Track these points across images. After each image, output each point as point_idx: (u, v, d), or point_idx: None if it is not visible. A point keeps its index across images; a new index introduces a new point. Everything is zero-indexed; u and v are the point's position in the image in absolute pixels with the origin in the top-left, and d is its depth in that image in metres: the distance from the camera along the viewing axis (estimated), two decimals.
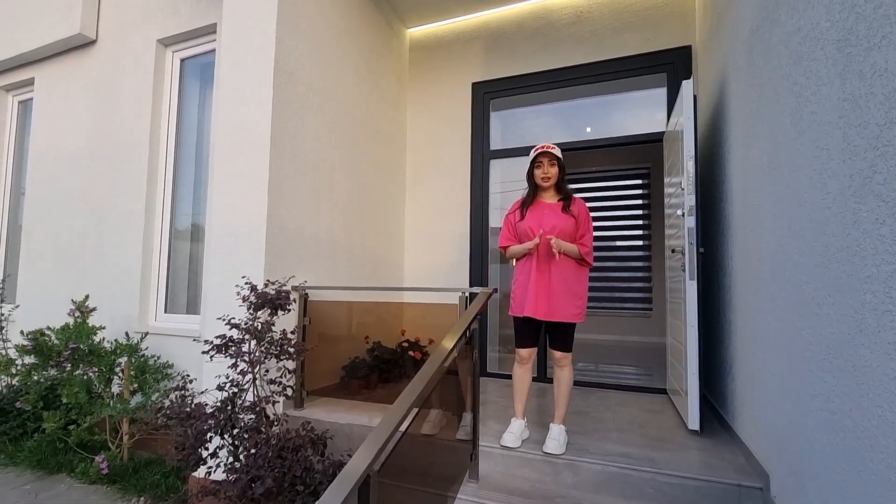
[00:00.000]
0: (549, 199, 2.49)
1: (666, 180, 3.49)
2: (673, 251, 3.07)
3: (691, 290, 2.53)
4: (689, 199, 2.56)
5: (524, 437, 2.43)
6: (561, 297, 2.35)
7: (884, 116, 1.08)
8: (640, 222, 6.08)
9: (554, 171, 2.44)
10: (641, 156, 5.88)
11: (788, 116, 1.65)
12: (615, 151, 5.86)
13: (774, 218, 1.81)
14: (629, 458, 2.19)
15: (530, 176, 2.50)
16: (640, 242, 6.07)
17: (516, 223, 2.49)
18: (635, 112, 4.07)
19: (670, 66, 3.67)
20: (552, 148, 2.43)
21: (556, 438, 2.28)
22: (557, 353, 2.41)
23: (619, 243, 6.18)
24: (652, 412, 2.99)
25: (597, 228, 5.99)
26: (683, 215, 2.62)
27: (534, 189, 2.50)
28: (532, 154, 2.48)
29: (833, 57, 1.31)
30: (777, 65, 1.77)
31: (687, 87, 2.64)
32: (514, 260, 2.54)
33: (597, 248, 6.37)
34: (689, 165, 2.58)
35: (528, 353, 2.46)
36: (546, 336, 2.48)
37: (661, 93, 3.74)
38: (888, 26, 1.06)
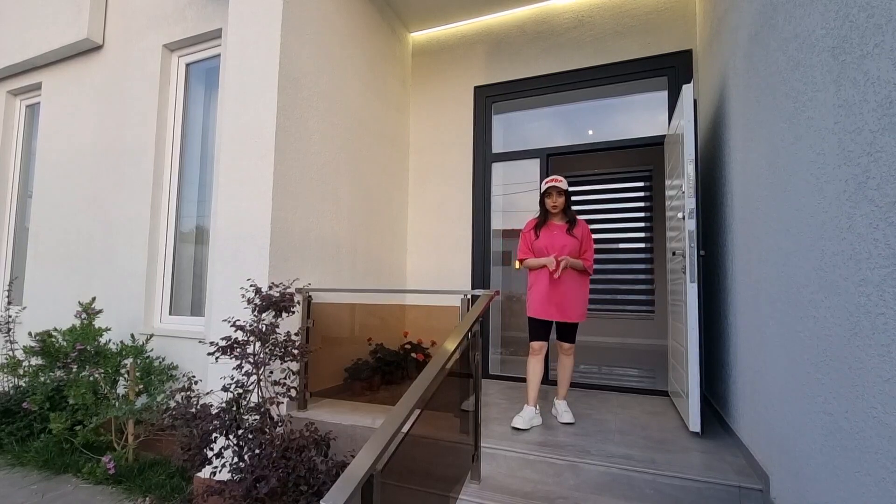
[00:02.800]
0: (558, 221, 2.94)
1: (667, 183, 3.51)
2: (674, 253, 3.08)
3: (692, 292, 2.54)
4: (690, 202, 2.58)
5: (535, 423, 2.75)
6: (573, 302, 2.81)
7: (877, 123, 1.10)
8: (642, 225, 6.10)
9: (561, 200, 2.90)
10: (643, 159, 5.90)
11: (786, 121, 1.67)
12: (617, 154, 5.87)
13: (773, 221, 1.83)
14: (631, 460, 2.21)
15: (542, 202, 2.96)
16: (642, 245, 6.08)
17: (532, 241, 2.93)
18: (637, 115, 4.10)
19: (671, 70, 3.69)
20: (559, 181, 2.88)
21: (567, 410, 2.84)
22: (566, 345, 2.89)
23: (621, 246, 6.19)
24: (653, 414, 3.00)
25: (599, 230, 6.14)
26: (684, 218, 2.64)
27: (544, 213, 2.96)
28: (543, 187, 2.93)
29: (828, 64, 1.34)
30: (775, 70, 1.79)
31: (687, 90, 2.66)
32: (528, 268, 2.98)
33: (599, 251, 6.42)
34: (690, 168, 2.59)
35: (539, 346, 2.85)
36: (556, 332, 2.91)
37: (663, 96, 3.76)
38: (880, 35, 1.08)
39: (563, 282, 2.80)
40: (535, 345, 2.85)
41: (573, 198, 6.59)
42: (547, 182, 2.91)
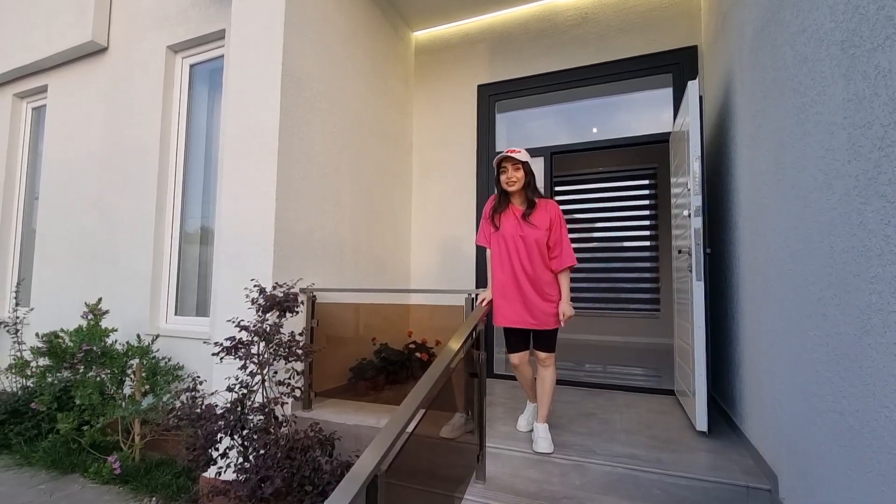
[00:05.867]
0: (520, 204, 2.47)
1: (672, 180, 3.48)
2: (680, 252, 3.06)
3: (698, 290, 2.52)
4: (696, 200, 2.56)
5: None
6: (539, 305, 2.39)
7: (888, 117, 1.08)
8: (647, 223, 6.07)
9: (518, 175, 2.39)
10: (648, 156, 5.87)
11: (794, 117, 1.65)
12: (622, 152, 5.86)
13: (781, 218, 1.81)
14: (637, 460, 2.19)
15: (497, 182, 2.48)
16: (647, 243, 6.05)
17: (491, 234, 2.49)
18: (641, 113, 4.06)
19: (676, 67, 3.66)
20: (516, 152, 2.39)
21: (545, 437, 2.33)
22: (542, 354, 2.44)
23: (626, 244, 6.16)
24: (660, 413, 2.98)
25: (604, 229, 6.09)
26: (690, 216, 2.61)
27: (502, 194, 2.49)
28: (497, 159, 2.45)
29: (837, 58, 1.31)
30: (782, 65, 1.77)
31: (693, 87, 2.64)
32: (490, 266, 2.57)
33: (604, 249, 6.34)
34: (696, 166, 2.57)
35: (518, 359, 2.49)
36: (531, 338, 2.51)
37: (668, 93, 3.73)
38: (891, 27, 1.06)
39: (529, 282, 2.38)
40: (514, 359, 2.47)
41: (576, 196, 6.60)
42: (501, 154, 2.42)
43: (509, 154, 2.38)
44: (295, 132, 3.02)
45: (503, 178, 2.42)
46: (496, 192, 2.54)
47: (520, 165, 2.39)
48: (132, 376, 3.42)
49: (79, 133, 4.44)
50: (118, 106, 4.21)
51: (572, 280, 2.53)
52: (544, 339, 2.44)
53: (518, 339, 2.47)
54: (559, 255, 2.40)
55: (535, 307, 2.38)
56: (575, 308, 2.44)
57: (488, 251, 2.56)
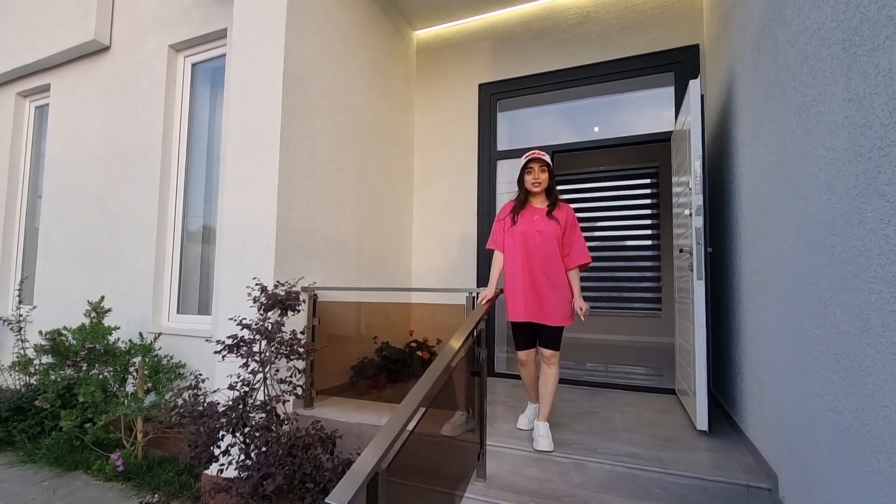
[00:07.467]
0: (539, 203, 2.58)
1: (674, 179, 3.47)
2: (681, 251, 3.06)
3: (699, 289, 2.52)
4: (697, 199, 2.56)
5: None
6: (552, 301, 2.44)
7: (888, 117, 1.08)
8: (648, 222, 6.06)
9: (544, 176, 2.52)
10: (650, 155, 5.86)
11: (795, 116, 1.65)
12: (623, 151, 5.86)
13: (782, 217, 1.81)
14: (637, 458, 2.19)
15: (521, 181, 2.58)
16: (648, 242, 6.04)
17: (508, 228, 2.56)
18: (643, 111, 4.06)
19: (678, 66, 3.65)
20: (543, 154, 2.53)
21: (545, 436, 2.36)
22: (547, 352, 2.48)
23: (628, 243, 6.16)
24: (660, 412, 2.98)
25: (605, 228, 6.10)
26: (691, 215, 2.61)
27: (524, 194, 2.58)
28: (523, 160, 2.56)
29: (838, 57, 1.31)
30: (784, 64, 1.77)
31: (694, 86, 2.63)
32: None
33: (605, 248, 6.34)
34: (697, 165, 2.57)
35: (526, 356, 2.56)
36: (537, 335, 2.56)
37: (669, 92, 3.72)
38: (892, 27, 1.06)
39: (541, 276, 2.44)
40: (522, 355, 2.54)
41: (577, 195, 6.59)
42: (527, 155, 2.54)
43: (538, 156, 2.51)
44: (297, 131, 3.02)
45: (529, 178, 2.52)
46: (518, 192, 2.61)
47: (545, 167, 2.51)
48: (135, 374, 3.44)
49: (81, 132, 4.45)
50: (120, 105, 4.23)
51: None
52: (551, 337, 2.47)
53: (527, 335, 2.54)
54: (570, 253, 2.49)
55: (546, 301, 2.44)
56: None
57: (496, 254, 2.62)
